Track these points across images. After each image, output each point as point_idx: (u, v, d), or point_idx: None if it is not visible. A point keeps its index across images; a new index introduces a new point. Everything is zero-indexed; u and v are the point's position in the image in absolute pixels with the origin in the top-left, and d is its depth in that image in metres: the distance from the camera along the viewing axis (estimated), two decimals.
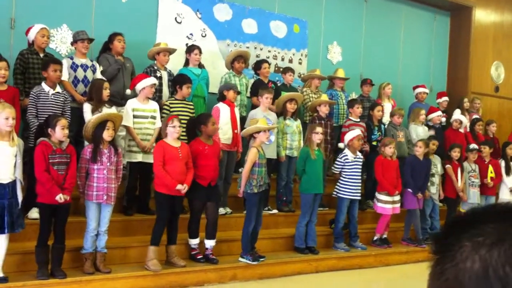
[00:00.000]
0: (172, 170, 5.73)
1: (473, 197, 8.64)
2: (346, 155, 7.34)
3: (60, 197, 5.04)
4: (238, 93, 7.29)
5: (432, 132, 8.92)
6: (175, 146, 5.84)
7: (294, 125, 7.62)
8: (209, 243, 6.14)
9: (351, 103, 8.42)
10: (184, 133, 6.60)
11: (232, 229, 6.77)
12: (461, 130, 9.55)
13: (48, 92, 5.84)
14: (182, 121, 6.61)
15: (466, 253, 0.78)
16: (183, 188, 5.73)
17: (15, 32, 6.83)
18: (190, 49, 7.51)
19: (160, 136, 6.14)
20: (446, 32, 11.51)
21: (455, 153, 8.51)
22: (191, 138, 6.25)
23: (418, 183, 7.92)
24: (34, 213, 5.64)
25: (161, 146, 5.81)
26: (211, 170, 6.07)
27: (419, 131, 8.85)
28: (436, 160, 8.36)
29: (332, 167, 7.57)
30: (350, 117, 8.29)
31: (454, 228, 0.83)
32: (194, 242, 6.12)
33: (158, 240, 5.72)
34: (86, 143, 5.68)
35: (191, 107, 6.90)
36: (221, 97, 7.12)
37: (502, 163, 9.17)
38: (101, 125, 5.41)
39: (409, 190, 7.88)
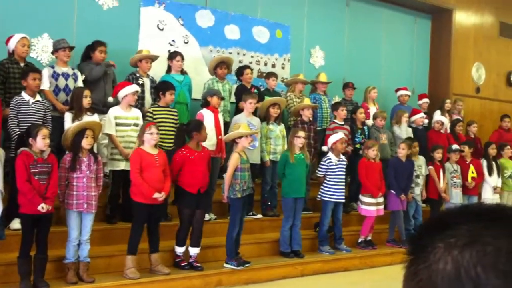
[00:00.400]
0: (149, 177, 5.70)
1: (456, 198, 8.71)
2: (330, 159, 7.38)
3: (42, 207, 5.02)
4: (222, 99, 7.31)
5: (410, 134, 8.98)
6: (152, 154, 5.80)
7: (278, 129, 7.66)
8: (193, 251, 6.13)
9: (335, 106, 8.48)
10: (169, 140, 6.61)
11: (217, 235, 6.76)
12: (443, 131, 9.64)
13: (28, 101, 5.83)
14: (167, 128, 6.63)
15: (439, 254, 0.79)
16: (160, 196, 5.71)
17: None
18: (172, 55, 7.52)
19: None
20: (427, 35, 11.61)
21: (438, 154, 8.59)
22: (180, 145, 6.21)
23: (401, 185, 7.97)
24: (16, 224, 5.61)
25: (138, 153, 5.77)
26: (199, 176, 6.04)
27: (402, 133, 8.92)
28: (421, 161, 8.44)
29: (316, 171, 7.60)
30: (334, 120, 8.34)
31: (428, 230, 0.84)
32: (180, 250, 6.10)
33: (135, 248, 5.69)
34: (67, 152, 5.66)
35: (175, 114, 6.90)
36: (205, 103, 7.13)
37: (484, 163, 9.27)
38: (80, 133, 5.39)
39: (393, 191, 7.93)
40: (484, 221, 0.80)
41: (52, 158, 5.26)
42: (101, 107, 6.68)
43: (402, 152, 8.07)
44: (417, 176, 8.30)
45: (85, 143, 5.38)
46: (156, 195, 5.67)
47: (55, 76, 6.44)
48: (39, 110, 5.89)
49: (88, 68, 6.77)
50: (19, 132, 5.54)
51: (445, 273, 0.77)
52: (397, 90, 9.94)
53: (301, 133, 7.03)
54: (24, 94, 5.84)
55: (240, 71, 8.17)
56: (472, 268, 0.75)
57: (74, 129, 5.42)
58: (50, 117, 6.02)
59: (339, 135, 7.47)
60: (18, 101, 5.79)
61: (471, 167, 9.01)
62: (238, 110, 7.80)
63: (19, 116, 5.75)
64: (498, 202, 8.89)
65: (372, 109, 9.28)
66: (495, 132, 10.62)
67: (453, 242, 0.78)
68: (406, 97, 9.82)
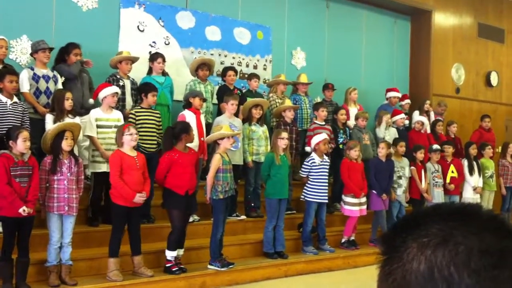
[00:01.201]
0: (130, 180, 5.63)
1: (438, 197, 8.79)
2: (313, 159, 7.40)
3: (24, 210, 4.96)
4: (204, 100, 7.29)
5: (394, 135, 9.03)
6: (131, 156, 5.74)
7: (260, 130, 7.66)
8: (178, 252, 6.07)
9: (316, 107, 8.52)
10: (152, 142, 6.58)
11: (200, 237, 6.74)
12: (423, 131, 9.72)
13: (6, 102, 5.75)
14: (149, 130, 6.59)
15: (412, 254, 0.80)
16: (142, 197, 5.66)
17: None
18: (153, 57, 7.49)
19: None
20: (407, 36, 11.71)
21: (420, 154, 8.64)
22: (168, 148, 6.10)
23: (382, 184, 8.01)
24: None
25: (118, 155, 5.68)
26: (187, 178, 5.98)
27: (381, 134, 8.96)
28: (404, 163, 8.46)
29: (300, 171, 7.62)
30: (315, 121, 8.37)
31: (401, 229, 0.84)
32: (171, 254, 5.95)
33: (116, 251, 5.63)
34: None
35: (158, 115, 6.86)
36: (187, 105, 7.11)
37: (465, 163, 9.36)
38: (59, 135, 5.34)
39: (374, 191, 7.97)
40: (455, 221, 0.81)
41: (33, 160, 5.21)
42: (79, 109, 6.59)
43: (382, 151, 8.11)
44: (400, 177, 8.33)
45: (65, 144, 5.32)
46: (137, 198, 5.60)
47: (35, 78, 6.36)
48: (17, 111, 5.81)
49: (65, 68, 6.69)
50: None
51: (418, 273, 0.78)
52: (388, 91, 10.00)
53: (285, 134, 7.04)
54: (1, 96, 5.75)
55: (224, 72, 8.18)
56: (445, 267, 0.76)
57: (53, 131, 5.36)
58: (28, 118, 5.95)
59: (322, 136, 7.49)
60: None
61: (452, 167, 9.10)
62: (220, 112, 7.79)
63: None
64: (472, 202, 9.08)
65: (353, 110, 9.32)
66: (475, 132, 10.74)
67: (425, 242, 0.79)
68: (396, 99, 9.89)
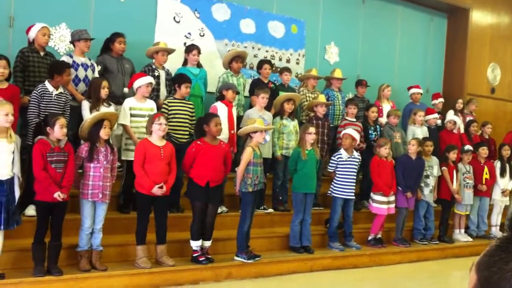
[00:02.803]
0: (152, 170, 5.67)
1: (467, 198, 8.71)
2: (341, 154, 7.40)
3: (59, 195, 5.08)
4: (237, 93, 7.33)
5: (425, 134, 8.94)
6: (157, 145, 5.76)
7: (291, 125, 7.67)
8: (205, 244, 6.14)
9: (346, 103, 8.53)
10: (184, 132, 6.66)
11: (228, 228, 6.80)
12: (455, 131, 9.61)
13: (52, 92, 5.85)
14: (182, 121, 6.67)
15: None
16: (160, 190, 5.67)
17: (14, 30, 6.87)
18: (189, 49, 7.56)
19: (166, 135, 6.10)
20: (443, 34, 11.57)
21: (453, 155, 8.52)
22: (198, 137, 6.20)
23: (408, 182, 7.93)
24: (30, 210, 5.69)
25: (143, 144, 5.73)
26: (209, 170, 6.00)
27: (417, 132, 8.88)
28: (433, 162, 8.36)
29: (328, 166, 7.63)
30: (346, 117, 8.35)
31: None
32: (196, 244, 6.04)
33: (143, 239, 5.72)
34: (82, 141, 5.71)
35: (191, 106, 6.91)
36: (220, 97, 7.17)
37: (498, 164, 9.23)
38: (97, 124, 5.45)
39: (399, 188, 7.91)
40: None
41: (68, 147, 5.32)
42: (118, 98, 6.73)
43: (412, 148, 8.01)
44: (427, 176, 8.25)
45: (103, 133, 5.44)
46: (154, 190, 5.64)
47: (74, 66, 6.50)
48: (61, 102, 5.93)
49: (107, 58, 6.88)
50: (37, 121, 5.59)
51: None
52: (409, 88, 9.91)
53: (312, 129, 7.05)
54: (48, 85, 5.84)
55: (260, 65, 8.21)
56: None
57: (92, 121, 5.47)
58: (69, 108, 6.08)
59: (345, 131, 7.49)
60: (42, 91, 5.79)
61: (485, 169, 9.00)
62: (251, 105, 7.83)
63: (41, 106, 5.76)
64: (501, 204, 8.96)
65: (386, 107, 9.26)
66: (509, 133, 10.56)
67: None
68: (418, 95, 9.77)
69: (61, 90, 5.97)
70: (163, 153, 5.77)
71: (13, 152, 5.01)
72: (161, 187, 5.68)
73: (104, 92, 6.12)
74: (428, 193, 8.25)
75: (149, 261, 5.71)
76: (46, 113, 5.60)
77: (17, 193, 5.03)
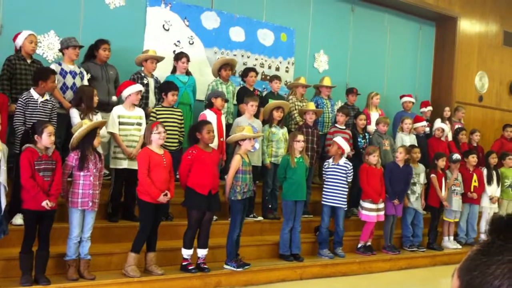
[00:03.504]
0: (157, 178, 5.70)
1: (455, 205, 8.75)
2: (327, 162, 7.43)
3: (47, 203, 5.04)
4: (226, 101, 7.33)
5: (413, 141, 8.98)
6: (159, 154, 5.81)
7: (280, 132, 7.68)
8: (202, 252, 6.09)
9: (337, 110, 8.54)
10: (173, 140, 6.64)
11: (217, 236, 6.76)
12: (443, 139, 9.66)
13: (37, 99, 5.82)
14: (170, 129, 6.64)
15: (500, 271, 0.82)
16: (166, 198, 5.72)
17: (2, 38, 6.83)
18: (178, 56, 7.56)
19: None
20: (431, 42, 11.65)
21: (442, 162, 8.55)
22: (190, 145, 6.21)
23: (396, 189, 7.96)
24: (18, 219, 5.64)
25: (146, 153, 5.75)
26: (209, 177, 6.00)
27: (405, 140, 8.92)
28: (420, 169, 8.41)
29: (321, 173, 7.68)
30: (335, 125, 8.38)
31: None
32: (187, 252, 6.01)
33: (140, 247, 5.70)
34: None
35: (180, 114, 6.90)
36: (209, 104, 7.17)
37: (484, 172, 9.29)
38: (90, 133, 5.42)
39: (387, 195, 7.93)
40: None
41: (56, 155, 5.29)
42: (105, 106, 6.70)
43: (399, 156, 8.06)
44: (414, 184, 8.28)
45: (97, 142, 5.43)
46: (161, 198, 5.66)
47: (63, 73, 6.47)
48: (47, 109, 5.90)
49: (92, 66, 6.84)
50: (23, 129, 5.54)
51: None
52: (401, 97, 9.95)
53: (301, 137, 7.06)
54: (33, 92, 5.82)
55: (246, 73, 8.21)
56: None
57: (87, 129, 5.39)
58: (56, 115, 6.03)
59: (335, 138, 7.52)
60: (27, 98, 5.76)
61: (474, 176, 9.05)
62: (239, 113, 7.83)
63: (26, 114, 5.73)
64: (490, 211, 9.00)
65: (374, 115, 9.30)
66: (497, 141, 10.64)
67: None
68: (410, 104, 9.83)
69: (47, 97, 5.93)
70: (166, 161, 5.79)
71: (0, 161, 4.96)
72: (165, 195, 5.69)
73: (95, 101, 6.11)
74: (414, 200, 8.27)
75: (138, 270, 5.66)
76: (33, 120, 5.57)
77: (3, 202, 4.98)
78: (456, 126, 10.29)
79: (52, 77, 5.92)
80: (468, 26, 11.69)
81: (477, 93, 11.91)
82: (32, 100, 5.78)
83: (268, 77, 8.92)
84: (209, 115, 7.00)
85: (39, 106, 5.82)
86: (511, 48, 12.42)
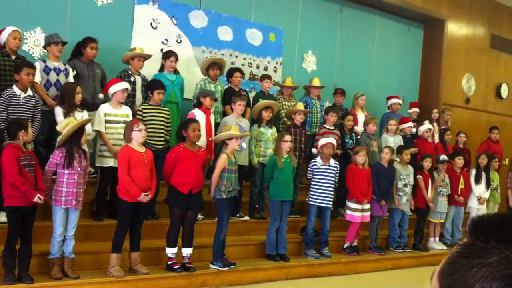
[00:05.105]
0: (137, 176, 5.62)
1: (441, 206, 8.78)
2: (316, 162, 7.42)
3: (40, 198, 5.00)
4: (215, 100, 7.30)
5: (401, 142, 9.00)
6: (140, 151, 5.73)
7: (269, 132, 7.66)
8: (186, 251, 6.06)
9: (327, 110, 8.55)
10: (159, 139, 6.60)
11: (203, 236, 6.73)
12: (430, 140, 9.70)
13: (20, 95, 5.75)
14: (157, 127, 6.61)
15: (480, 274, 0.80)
16: (146, 197, 5.65)
17: None
18: (167, 55, 7.51)
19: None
20: (419, 44, 11.69)
21: (427, 163, 8.59)
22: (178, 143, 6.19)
23: (382, 190, 7.98)
24: (1, 217, 5.57)
25: (126, 151, 5.65)
26: (192, 176, 5.97)
27: (389, 141, 8.93)
28: (410, 171, 8.44)
29: (306, 174, 7.64)
30: (324, 125, 8.38)
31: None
32: (171, 251, 5.98)
33: (120, 247, 5.63)
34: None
35: (167, 112, 6.85)
36: (198, 104, 7.13)
37: (473, 172, 9.33)
38: (79, 131, 5.36)
39: (374, 197, 7.95)
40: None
41: (32, 150, 5.26)
42: (91, 104, 6.64)
43: (385, 157, 8.08)
44: (405, 185, 8.31)
45: (83, 139, 5.38)
46: (141, 197, 5.59)
47: (46, 70, 6.40)
48: (30, 105, 5.83)
49: (78, 63, 6.77)
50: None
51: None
52: (388, 98, 9.97)
53: (288, 137, 7.05)
54: (15, 88, 5.75)
55: (230, 73, 8.16)
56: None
57: (75, 127, 5.32)
58: (40, 111, 5.96)
59: (327, 140, 7.49)
60: (9, 94, 5.70)
61: (461, 178, 9.09)
62: (225, 114, 7.80)
63: (9, 110, 5.66)
64: (477, 212, 9.06)
65: (360, 116, 9.31)
66: (483, 143, 10.70)
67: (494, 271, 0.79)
68: (398, 106, 9.84)
69: (29, 93, 5.86)
70: (146, 159, 5.72)
71: None
72: (147, 194, 5.63)
73: (78, 98, 6.03)
74: (405, 201, 8.30)
75: (122, 270, 5.61)
76: (15, 116, 5.51)
77: None
78: (442, 127, 10.33)
79: (25, 69, 5.77)
80: (456, 28, 11.75)
81: (464, 95, 11.97)
82: (14, 96, 5.72)
83: (256, 77, 8.90)
84: (198, 114, 6.96)
85: (22, 102, 5.75)
86: (498, 51, 12.50)
